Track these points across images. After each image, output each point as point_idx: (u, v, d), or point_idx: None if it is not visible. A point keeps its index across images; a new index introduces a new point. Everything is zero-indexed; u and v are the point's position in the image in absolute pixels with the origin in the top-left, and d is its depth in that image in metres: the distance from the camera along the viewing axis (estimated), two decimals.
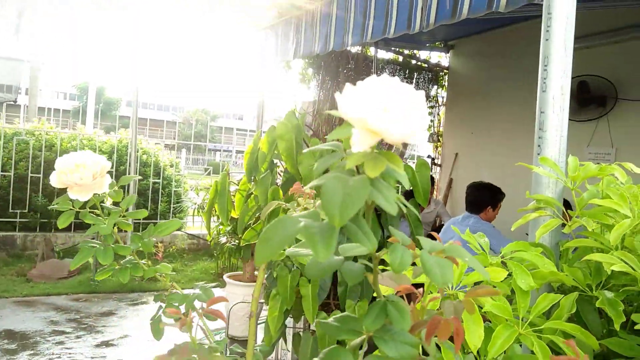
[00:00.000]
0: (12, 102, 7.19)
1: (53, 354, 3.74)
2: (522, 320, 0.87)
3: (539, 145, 1.13)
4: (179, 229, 7.95)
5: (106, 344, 4.01)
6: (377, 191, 0.42)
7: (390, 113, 0.43)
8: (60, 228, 0.91)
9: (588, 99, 5.48)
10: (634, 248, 0.93)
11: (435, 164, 7.93)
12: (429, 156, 7.97)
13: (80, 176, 0.88)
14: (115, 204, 1.03)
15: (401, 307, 0.46)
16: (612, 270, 1.00)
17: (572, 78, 4.80)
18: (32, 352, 3.75)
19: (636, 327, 0.78)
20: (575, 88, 5.54)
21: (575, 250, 1.12)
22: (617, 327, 0.84)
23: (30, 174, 6.84)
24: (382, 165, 0.42)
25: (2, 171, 6.74)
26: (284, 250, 0.63)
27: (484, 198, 3.69)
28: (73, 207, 0.94)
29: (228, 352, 1.13)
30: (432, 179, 5.93)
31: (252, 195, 3.49)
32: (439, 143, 7.94)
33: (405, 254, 0.44)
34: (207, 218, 3.52)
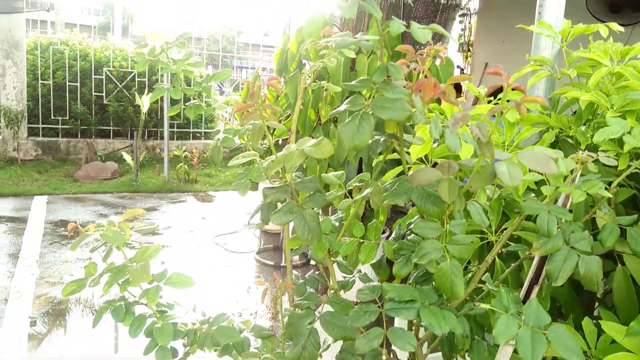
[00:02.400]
0: (45, 11, 7.37)
1: None
2: (507, 144, 1.08)
3: (539, 13, 1.28)
4: (210, 138, 8.27)
5: (152, 233, 4.43)
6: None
7: None
8: (138, 71, 1.14)
9: (620, 4, 5.34)
10: (608, 91, 1.11)
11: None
12: (458, 66, 7.89)
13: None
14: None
15: (398, 67, 0.67)
16: (592, 115, 1.18)
17: None
18: None
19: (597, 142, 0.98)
20: None
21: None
22: (582, 147, 1.05)
23: (68, 83, 7.13)
24: None
25: (41, 79, 7.05)
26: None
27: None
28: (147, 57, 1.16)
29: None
30: (460, 86, 5.96)
31: (282, 94, 3.72)
32: (469, 53, 7.84)
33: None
34: (239, 118, 3.75)
